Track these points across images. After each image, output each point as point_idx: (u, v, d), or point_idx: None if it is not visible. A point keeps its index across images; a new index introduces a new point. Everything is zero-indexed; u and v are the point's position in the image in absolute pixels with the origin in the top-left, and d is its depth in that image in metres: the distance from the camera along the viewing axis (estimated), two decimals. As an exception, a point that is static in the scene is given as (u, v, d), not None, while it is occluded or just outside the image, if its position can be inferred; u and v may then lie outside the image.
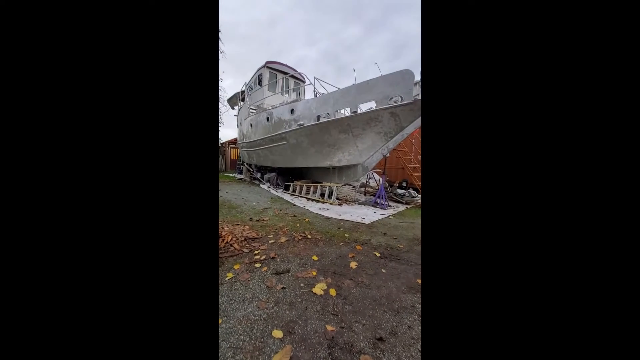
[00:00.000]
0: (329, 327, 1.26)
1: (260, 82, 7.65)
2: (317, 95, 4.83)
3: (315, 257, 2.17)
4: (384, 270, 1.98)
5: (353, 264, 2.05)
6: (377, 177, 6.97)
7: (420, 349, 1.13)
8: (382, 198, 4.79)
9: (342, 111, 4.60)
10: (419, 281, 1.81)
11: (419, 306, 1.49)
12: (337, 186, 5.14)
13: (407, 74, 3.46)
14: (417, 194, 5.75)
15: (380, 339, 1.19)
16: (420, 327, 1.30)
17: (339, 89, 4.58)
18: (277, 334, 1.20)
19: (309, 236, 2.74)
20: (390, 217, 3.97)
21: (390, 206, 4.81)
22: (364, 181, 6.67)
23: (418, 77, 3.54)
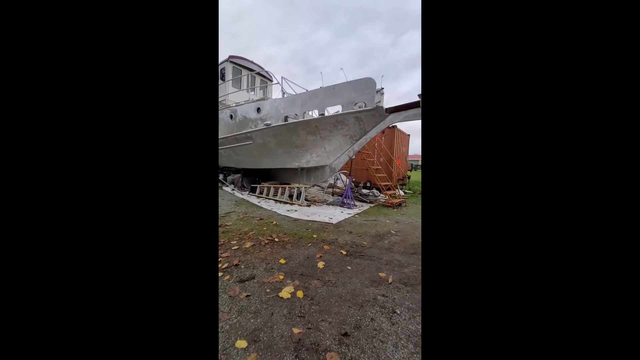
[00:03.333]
0: (296, 330, 1.25)
1: (223, 77, 7.13)
2: (285, 96, 4.76)
3: (282, 261, 2.13)
4: (349, 267, 2.07)
5: (320, 264, 2.09)
6: (344, 177, 7.26)
7: (382, 340, 1.22)
8: (349, 198, 5.01)
9: (310, 113, 4.64)
10: (380, 274, 1.96)
11: (380, 298, 1.61)
12: (305, 187, 5.16)
13: (369, 81, 3.70)
14: (379, 194, 6.20)
15: (346, 334, 1.24)
16: (382, 318, 1.40)
17: (307, 90, 4.61)
18: (241, 344, 1.13)
19: (276, 239, 2.67)
20: (356, 215, 4.18)
21: (356, 205, 5.06)
22: (332, 182, 6.86)
23: (379, 86, 3.83)
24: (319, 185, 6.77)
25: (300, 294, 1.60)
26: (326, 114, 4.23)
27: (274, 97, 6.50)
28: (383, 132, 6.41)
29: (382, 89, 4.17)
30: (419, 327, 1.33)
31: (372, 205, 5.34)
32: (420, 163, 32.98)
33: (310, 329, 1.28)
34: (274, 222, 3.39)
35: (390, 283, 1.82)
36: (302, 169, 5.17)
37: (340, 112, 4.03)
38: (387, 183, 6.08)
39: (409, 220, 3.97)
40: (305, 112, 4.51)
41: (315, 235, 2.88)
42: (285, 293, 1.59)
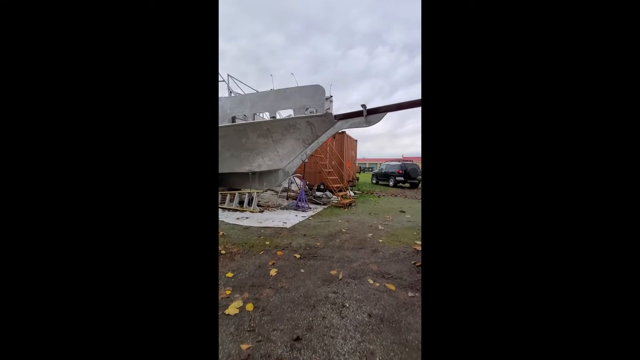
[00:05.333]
0: (244, 346, 1.17)
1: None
2: (232, 95, 4.43)
3: (229, 274, 1.95)
4: (302, 270, 2.08)
5: (273, 271, 2.02)
6: (298, 181, 7.29)
7: (332, 336, 1.28)
8: (303, 201, 5.06)
9: (261, 115, 4.47)
10: (332, 272, 2.06)
11: (331, 295, 1.68)
12: (257, 192, 4.91)
13: (318, 88, 3.88)
14: (332, 195, 6.52)
15: (298, 339, 1.24)
16: (332, 314, 1.47)
17: (257, 91, 4.43)
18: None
19: (222, 251, 2.43)
20: (310, 218, 4.26)
21: (310, 208, 5.16)
22: (286, 186, 6.78)
23: (328, 93, 4.06)
24: (272, 190, 6.57)
25: (250, 306, 1.51)
26: (278, 117, 4.17)
27: (219, 95, 5.96)
28: (334, 137, 6.80)
29: (331, 96, 4.43)
30: (365, 316, 1.47)
31: (325, 206, 5.56)
32: (367, 166, 36.54)
33: (260, 341, 1.22)
34: (221, 233, 3.08)
35: (341, 279, 1.94)
36: (254, 173, 4.90)
37: (292, 116, 4.06)
38: (339, 185, 6.47)
39: (357, 218, 4.33)
40: (255, 114, 4.32)
41: (268, 242, 2.78)
42: (232, 309, 1.47)
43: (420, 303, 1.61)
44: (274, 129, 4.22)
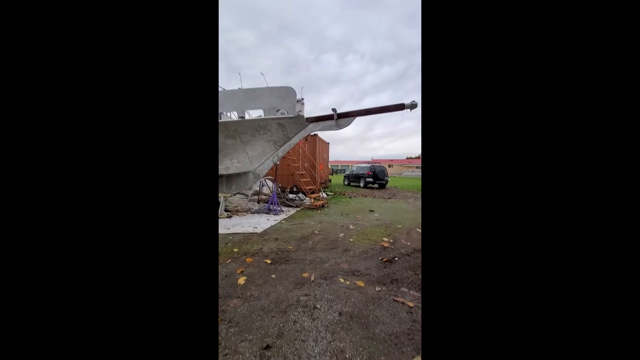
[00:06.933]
0: (208, 364, 1.08)
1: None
2: None
3: (192, 286, 1.79)
4: (273, 276, 2.03)
5: (241, 280, 1.92)
6: (270, 183, 7.09)
7: (303, 339, 1.28)
8: (275, 204, 4.93)
9: (228, 114, 4.23)
10: (304, 275, 2.05)
11: (303, 298, 1.68)
12: (225, 197, 4.62)
13: (290, 90, 3.86)
14: (305, 197, 6.52)
15: (267, 347, 1.20)
16: (304, 318, 1.46)
17: (224, 89, 4.19)
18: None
19: (184, 262, 2.21)
20: (283, 221, 4.18)
21: (283, 211, 5.07)
22: (257, 189, 6.53)
23: (299, 96, 4.08)
24: (242, 193, 6.25)
25: (215, 320, 1.40)
26: (247, 117, 4.01)
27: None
28: (306, 139, 6.84)
29: (302, 99, 4.46)
30: (336, 315, 1.50)
31: (298, 209, 5.52)
32: (340, 167, 37.60)
33: (227, 354, 1.14)
34: (182, 242, 2.79)
35: (313, 281, 1.95)
36: (221, 176, 4.60)
37: (263, 116, 3.96)
38: (312, 187, 6.51)
39: (330, 219, 4.41)
40: (222, 113, 4.07)
41: (236, 249, 2.63)
42: (194, 325, 1.34)
43: (387, 296, 1.72)
44: (242, 130, 4.03)
